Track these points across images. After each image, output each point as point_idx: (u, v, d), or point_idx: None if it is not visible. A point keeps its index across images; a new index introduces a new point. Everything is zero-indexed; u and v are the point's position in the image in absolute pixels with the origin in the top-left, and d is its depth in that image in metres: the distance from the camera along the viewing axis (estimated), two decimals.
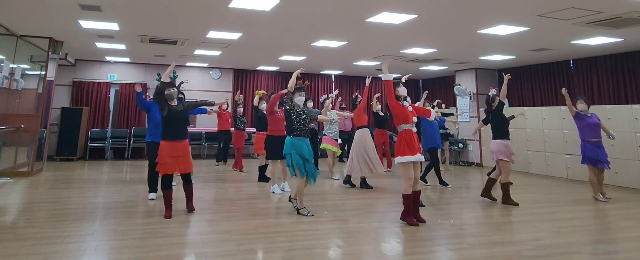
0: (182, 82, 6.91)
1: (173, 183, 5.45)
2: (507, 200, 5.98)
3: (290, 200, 5.41)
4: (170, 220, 4.74)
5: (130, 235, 4.13)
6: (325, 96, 8.42)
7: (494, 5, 5.73)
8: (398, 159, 4.68)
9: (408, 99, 4.98)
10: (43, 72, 8.65)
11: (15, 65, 8.02)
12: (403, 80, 5.53)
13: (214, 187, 6.99)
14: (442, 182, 7.39)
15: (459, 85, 11.54)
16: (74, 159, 10.36)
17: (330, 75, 13.65)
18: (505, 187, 6.00)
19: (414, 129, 4.81)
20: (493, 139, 6.14)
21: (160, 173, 4.94)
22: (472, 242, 4.15)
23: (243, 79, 12.71)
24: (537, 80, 10.77)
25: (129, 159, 10.97)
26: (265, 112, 6.64)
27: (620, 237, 4.44)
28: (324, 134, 7.95)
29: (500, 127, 6.11)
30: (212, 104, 5.56)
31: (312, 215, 5.03)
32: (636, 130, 7.45)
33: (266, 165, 7.44)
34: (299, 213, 5.10)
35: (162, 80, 5.08)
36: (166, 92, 5.02)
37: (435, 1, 5.56)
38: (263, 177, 7.58)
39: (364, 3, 5.69)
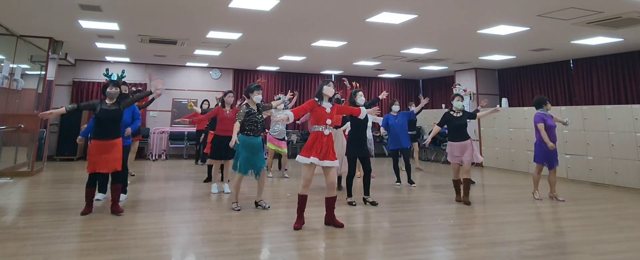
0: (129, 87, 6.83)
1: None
2: (458, 196, 6.10)
3: (256, 205, 5.46)
4: (171, 221, 4.74)
5: (130, 235, 4.13)
6: (280, 95, 8.28)
7: (494, 5, 5.73)
8: (297, 158, 4.53)
9: (336, 99, 4.78)
10: (43, 72, 8.66)
11: (15, 65, 8.03)
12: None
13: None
14: (399, 180, 7.46)
15: (459, 85, 11.55)
16: (74, 159, 10.36)
17: (330, 75, 13.65)
18: (456, 184, 6.11)
19: (327, 132, 4.53)
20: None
21: (88, 171, 4.86)
22: (472, 242, 4.15)
23: (243, 79, 12.70)
24: (537, 80, 10.76)
25: None
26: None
27: (620, 237, 4.44)
28: (268, 134, 7.83)
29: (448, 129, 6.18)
30: (150, 93, 5.40)
31: (240, 210, 5.24)
32: (636, 130, 7.44)
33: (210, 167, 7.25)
34: (234, 208, 5.29)
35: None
36: (107, 90, 4.99)
37: (435, 1, 5.56)
38: (210, 178, 7.24)
39: (364, 3, 5.69)
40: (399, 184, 7.41)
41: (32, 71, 9.14)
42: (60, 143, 10.34)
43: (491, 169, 10.28)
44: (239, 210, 5.23)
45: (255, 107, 5.31)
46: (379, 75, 13.83)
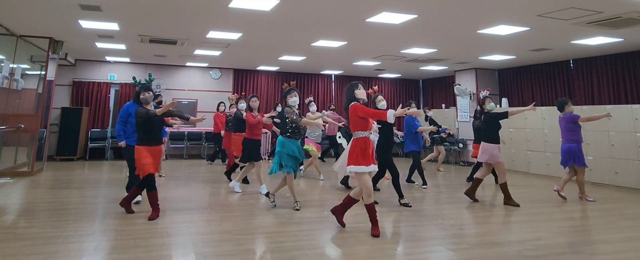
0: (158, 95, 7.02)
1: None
2: (508, 201, 6.00)
3: (267, 195, 5.60)
4: (170, 220, 4.74)
5: (130, 235, 4.13)
6: (310, 98, 8.48)
7: (494, 5, 5.73)
8: (355, 169, 4.29)
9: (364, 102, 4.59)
10: (43, 72, 8.65)
11: (15, 65, 8.02)
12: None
13: (213, 187, 6.99)
14: (425, 182, 7.46)
15: (459, 85, 11.55)
16: (74, 159, 10.36)
17: (330, 75, 13.65)
18: (505, 187, 6.03)
19: (372, 136, 4.46)
20: (486, 141, 6.14)
21: (144, 174, 4.80)
22: (472, 242, 4.15)
23: (243, 79, 12.71)
24: (537, 80, 10.77)
25: None
26: (242, 113, 6.71)
27: (620, 237, 4.44)
28: (306, 136, 7.97)
29: (495, 131, 6.14)
30: (188, 119, 5.40)
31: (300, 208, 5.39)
32: (636, 130, 7.45)
33: (235, 165, 7.39)
34: (295, 209, 5.37)
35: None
36: (141, 97, 5.00)
37: (435, 1, 5.56)
38: (229, 177, 7.42)
39: (364, 3, 5.69)
40: (425, 186, 7.31)
41: (32, 71, 9.13)
42: (60, 143, 10.33)
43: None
44: (298, 209, 5.35)
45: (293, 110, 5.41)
46: (379, 75, 13.82)
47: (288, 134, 5.36)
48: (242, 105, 7.12)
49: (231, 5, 5.78)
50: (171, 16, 6.54)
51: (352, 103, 4.45)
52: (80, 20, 6.85)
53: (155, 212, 4.85)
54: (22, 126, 7.74)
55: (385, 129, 5.87)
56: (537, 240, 4.22)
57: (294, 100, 5.40)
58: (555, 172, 8.87)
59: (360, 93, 4.48)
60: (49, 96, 9.06)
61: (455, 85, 11.61)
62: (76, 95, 11.12)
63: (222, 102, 10.11)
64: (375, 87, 5.80)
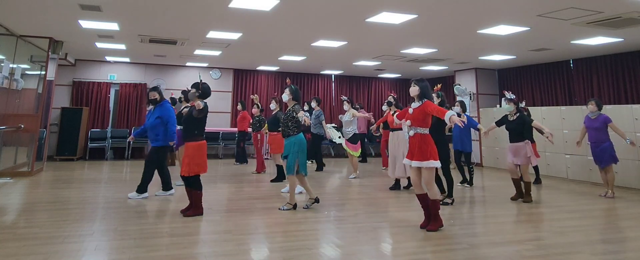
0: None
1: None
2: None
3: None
4: (170, 220, 4.74)
5: (130, 235, 4.13)
6: (344, 97, 8.70)
7: (494, 5, 5.73)
8: (435, 164, 4.38)
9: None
10: (43, 72, 8.65)
11: (15, 65, 8.02)
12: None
13: (213, 187, 6.99)
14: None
15: (459, 85, 11.54)
16: (74, 159, 10.35)
17: (330, 75, 13.65)
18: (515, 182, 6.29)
19: (409, 133, 4.49)
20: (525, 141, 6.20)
21: (202, 172, 5.08)
22: (472, 242, 4.15)
23: (243, 79, 12.70)
24: (537, 80, 10.76)
25: (129, 159, 10.97)
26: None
27: (620, 237, 4.44)
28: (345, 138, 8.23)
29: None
30: None
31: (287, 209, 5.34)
32: (636, 130, 7.44)
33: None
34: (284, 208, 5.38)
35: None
36: (190, 94, 5.15)
37: (435, 1, 5.56)
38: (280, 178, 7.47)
39: (364, 3, 5.69)
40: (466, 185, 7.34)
41: (32, 71, 9.13)
42: (60, 143, 10.33)
43: (491, 168, 10.29)
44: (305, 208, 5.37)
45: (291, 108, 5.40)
46: (379, 75, 13.83)
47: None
48: (272, 105, 7.67)
49: (231, 5, 5.78)
50: (171, 16, 6.54)
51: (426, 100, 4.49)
52: (80, 20, 6.85)
53: (196, 210, 4.98)
54: (22, 126, 7.74)
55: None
56: (537, 240, 4.22)
57: (283, 96, 5.45)
58: (556, 173, 8.87)
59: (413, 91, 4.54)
60: (49, 96, 9.06)
61: (455, 85, 11.60)
62: (76, 95, 11.12)
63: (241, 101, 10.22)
64: (439, 85, 5.73)
